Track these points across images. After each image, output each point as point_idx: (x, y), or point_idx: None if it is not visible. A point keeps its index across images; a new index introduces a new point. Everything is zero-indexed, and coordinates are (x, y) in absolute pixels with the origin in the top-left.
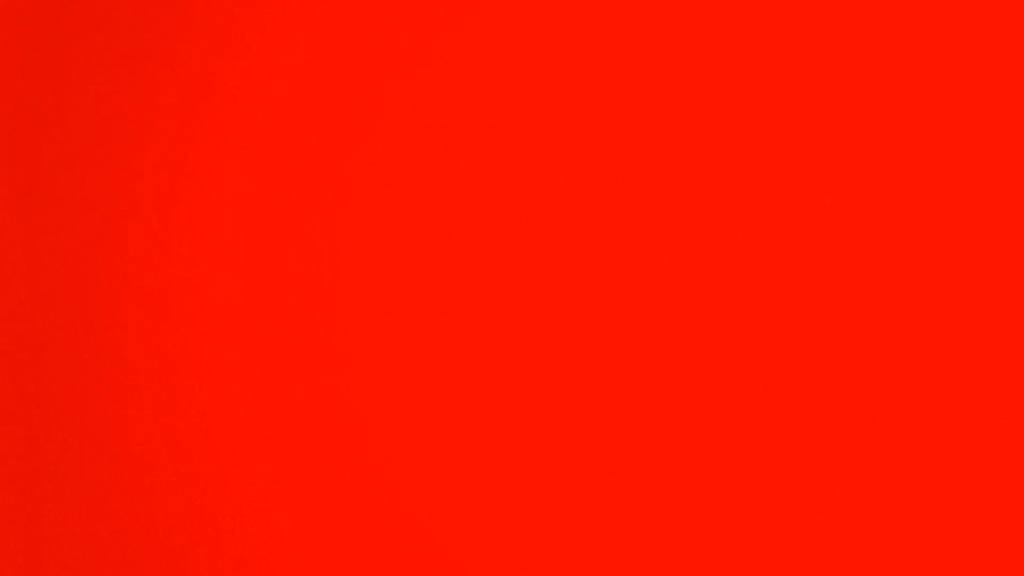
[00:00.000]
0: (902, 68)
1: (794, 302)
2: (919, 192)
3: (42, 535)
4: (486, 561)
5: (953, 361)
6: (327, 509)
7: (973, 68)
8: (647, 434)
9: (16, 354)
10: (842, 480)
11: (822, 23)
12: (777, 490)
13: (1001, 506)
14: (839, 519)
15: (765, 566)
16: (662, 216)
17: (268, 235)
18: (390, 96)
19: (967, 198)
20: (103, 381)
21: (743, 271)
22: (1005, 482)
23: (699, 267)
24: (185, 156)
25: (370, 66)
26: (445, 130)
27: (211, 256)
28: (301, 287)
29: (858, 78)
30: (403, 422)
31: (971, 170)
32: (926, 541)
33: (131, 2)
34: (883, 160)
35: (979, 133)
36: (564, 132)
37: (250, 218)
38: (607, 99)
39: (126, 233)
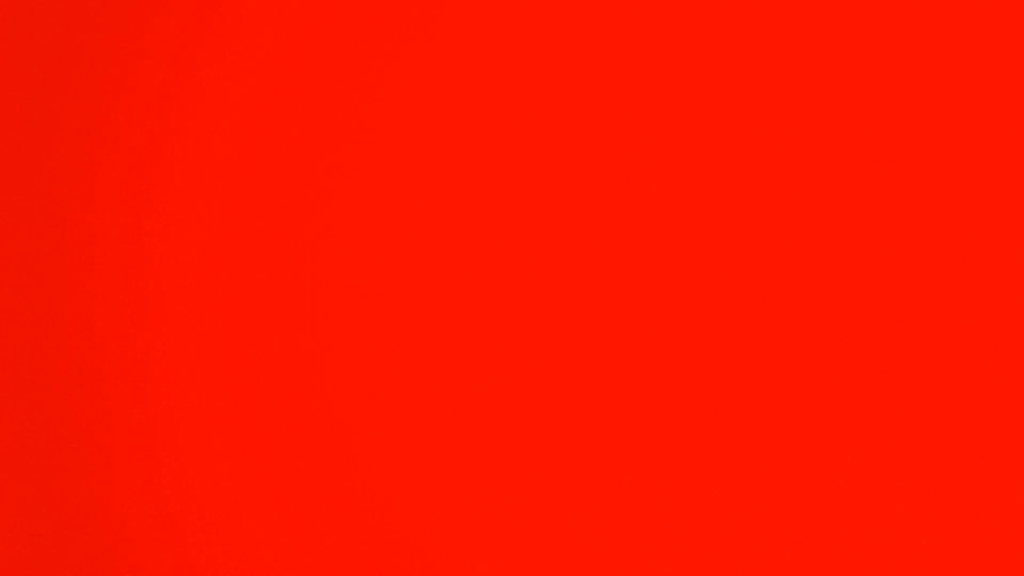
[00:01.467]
0: (902, 69)
1: (794, 303)
2: (920, 193)
3: (21, 534)
4: (482, 563)
5: (954, 362)
6: (316, 511)
7: (973, 68)
8: (646, 434)
9: None
10: (844, 482)
11: (822, 23)
12: (777, 491)
13: (1001, 506)
14: (840, 520)
15: (765, 566)
16: (661, 216)
17: (254, 232)
18: (381, 92)
19: (968, 199)
20: (87, 380)
21: (744, 272)
22: (1005, 482)
23: (700, 268)
24: (168, 149)
25: (359, 60)
26: (437, 123)
27: (198, 255)
28: (290, 285)
29: (859, 79)
30: (392, 424)
31: (972, 170)
32: (926, 541)
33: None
34: (884, 161)
35: (980, 134)
36: (562, 129)
37: (237, 215)
38: (606, 99)
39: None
